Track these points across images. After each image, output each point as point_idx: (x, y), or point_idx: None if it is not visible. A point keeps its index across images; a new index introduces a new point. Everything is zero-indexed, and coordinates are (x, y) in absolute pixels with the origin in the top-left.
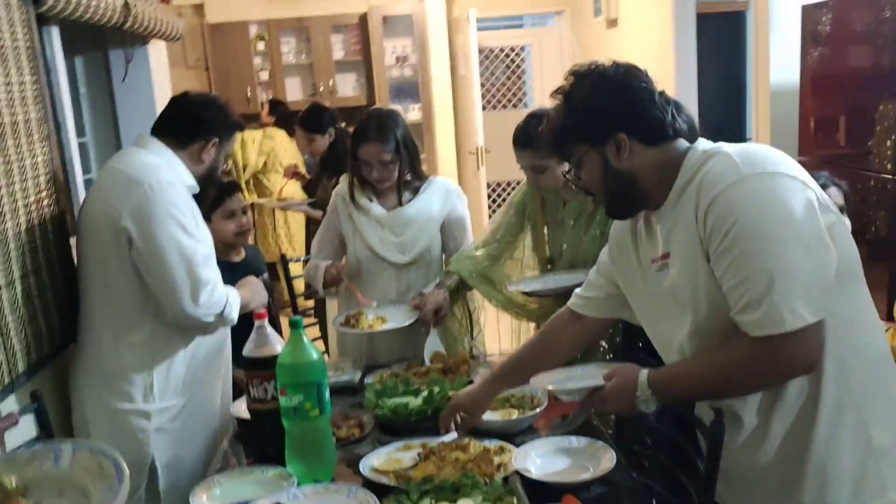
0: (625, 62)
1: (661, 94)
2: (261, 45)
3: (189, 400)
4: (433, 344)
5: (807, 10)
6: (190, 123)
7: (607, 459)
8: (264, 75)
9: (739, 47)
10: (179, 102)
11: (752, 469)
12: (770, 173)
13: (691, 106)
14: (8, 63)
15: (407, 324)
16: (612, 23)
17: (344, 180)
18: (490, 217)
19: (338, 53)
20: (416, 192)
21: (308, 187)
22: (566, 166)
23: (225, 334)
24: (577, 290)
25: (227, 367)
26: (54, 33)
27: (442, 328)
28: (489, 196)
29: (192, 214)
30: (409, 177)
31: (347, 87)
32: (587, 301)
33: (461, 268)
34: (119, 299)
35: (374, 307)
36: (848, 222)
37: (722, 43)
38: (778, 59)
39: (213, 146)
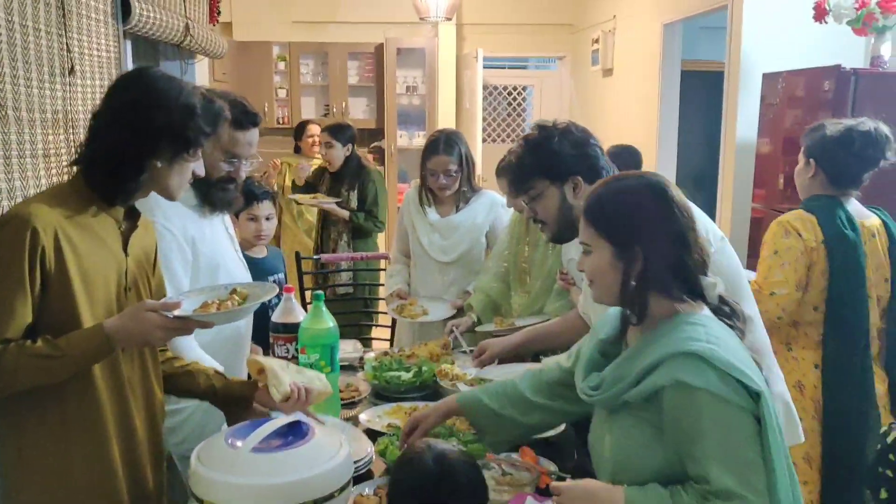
0: (581, 125)
1: (603, 150)
2: (281, 65)
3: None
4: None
5: (766, 77)
6: None
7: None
8: (282, 93)
9: (717, 103)
10: None
11: None
12: None
13: (671, 150)
14: (103, 70)
15: (442, 318)
16: (608, 72)
17: (412, 186)
18: None
19: (352, 78)
20: (466, 201)
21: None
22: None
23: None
24: (581, 298)
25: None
26: (129, 47)
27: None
28: None
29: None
30: (464, 188)
31: (358, 111)
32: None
33: (477, 304)
34: None
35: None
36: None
37: (701, 98)
38: (742, 117)
39: None
